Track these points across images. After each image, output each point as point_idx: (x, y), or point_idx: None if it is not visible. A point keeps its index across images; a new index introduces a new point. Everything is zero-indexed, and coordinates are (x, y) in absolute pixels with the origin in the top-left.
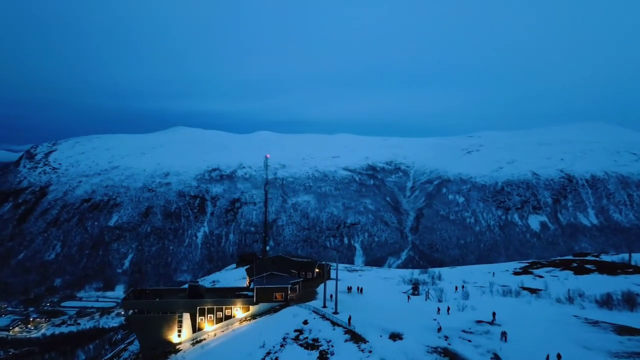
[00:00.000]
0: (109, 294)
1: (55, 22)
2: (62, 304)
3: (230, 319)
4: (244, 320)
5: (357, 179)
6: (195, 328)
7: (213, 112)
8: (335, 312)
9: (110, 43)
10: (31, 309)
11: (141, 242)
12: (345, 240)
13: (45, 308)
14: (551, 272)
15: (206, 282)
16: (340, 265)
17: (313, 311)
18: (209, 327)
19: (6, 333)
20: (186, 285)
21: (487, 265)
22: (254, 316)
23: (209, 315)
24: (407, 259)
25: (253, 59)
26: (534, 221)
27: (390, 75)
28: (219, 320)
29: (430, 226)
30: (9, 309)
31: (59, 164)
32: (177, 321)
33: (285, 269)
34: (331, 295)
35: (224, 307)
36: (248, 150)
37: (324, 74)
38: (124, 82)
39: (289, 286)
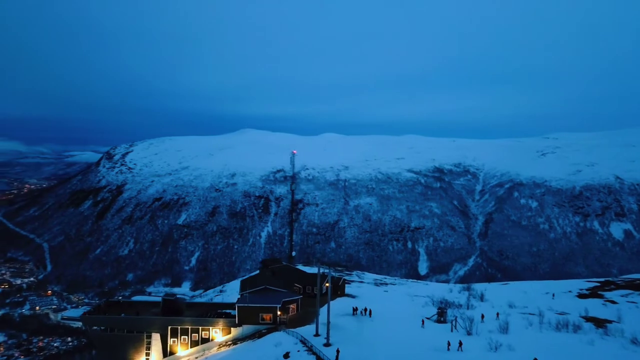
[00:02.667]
0: (175, 290)
1: (128, 32)
2: (133, 298)
3: (208, 343)
4: (223, 345)
5: (422, 181)
6: (167, 352)
7: (281, 115)
8: (327, 344)
9: (182, 50)
10: (104, 300)
11: (207, 240)
12: (409, 244)
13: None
14: (629, 297)
15: (217, 291)
16: (369, 277)
17: (301, 340)
18: (183, 351)
19: (81, 324)
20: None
21: (548, 282)
22: (235, 341)
23: (183, 336)
24: (475, 265)
25: (322, 63)
26: (617, 229)
27: (459, 75)
28: (195, 344)
29: (500, 232)
30: (86, 300)
31: (134, 164)
32: (144, 342)
33: (289, 282)
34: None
35: (200, 327)
36: (312, 152)
37: (391, 75)
38: (194, 87)
39: (278, 306)
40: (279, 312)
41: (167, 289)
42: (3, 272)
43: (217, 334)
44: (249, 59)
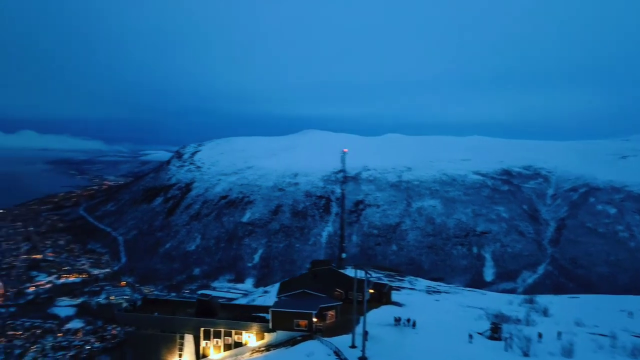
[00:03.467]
0: (239, 286)
1: (194, 40)
2: (199, 292)
3: (241, 347)
4: (256, 351)
5: (489, 184)
6: (199, 354)
7: (343, 116)
8: (362, 358)
9: (247, 54)
10: (173, 294)
11: (270, 238)
12: (475, 249)
13: (185, 295)
14: None
15: (262, 292)
16: (422, 283)
17: (334, 351)
18: (215, 354)
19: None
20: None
21: (625, 297)
22: (268, 347)
23: (216, 339)
24: (545, 273)
25: (385, 62)
26: None
27: (531, 74)
28: (227, 347)
29: (573, 239)
30: (156, 292)
31: (202, 163)
32: (177, 343)
33: (330, 286)
34: (366, 332)
35: (233, 331)
36: (374, 152)
37: (457, 74)
38: (258, 88)
39: (314, 312)
40: (314, 319)
41: (230, 285)
42: (83, 262)
43: (251, 338)
44: (311, 60)
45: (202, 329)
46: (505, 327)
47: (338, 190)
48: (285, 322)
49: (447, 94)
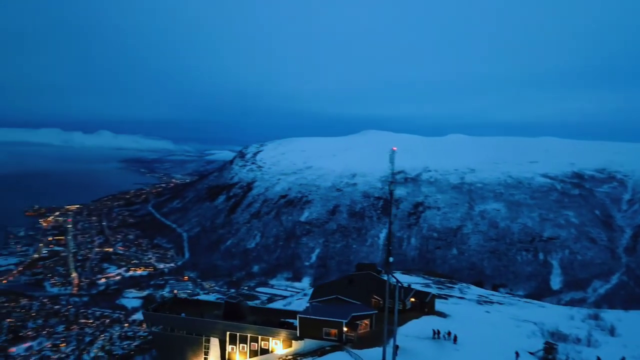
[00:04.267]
0: (296, 284)
1: (261, 39)
2: (257, 289)
3: (268, 355)
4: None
5: (558, 187)
6: (225, 358)
7: (404, 116)
8: None
9: (307, 55)
10: (232, 290)
11: (327, 238)
12: (541, 255)
13: (243, 291)
14: None
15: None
16: (474, 292)
17: None
18: None
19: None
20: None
21: None
22: (295, 356)
23: (242, 344)
24: (619, 284)
25: (446, 61)
26: None
27: (605, 72)
28: (253, 354)
29: None
30: (216, 288)
31: (264, 163)
32: (203, 346)
33: (368, 292)
34: (397, 347)
35: (260, 337)
36: (435, 153)
37: (523, 73)
38: (317, 90)
39: (344, 321)
40: (345, 329)
41: (288, 283)
42: (150, 256)
43: (278, 345)
44: (370, 60)
45: (228, 332)
46: (562, 347)
47: (397, 192)
48: (313, 330)
49: (514, 93)
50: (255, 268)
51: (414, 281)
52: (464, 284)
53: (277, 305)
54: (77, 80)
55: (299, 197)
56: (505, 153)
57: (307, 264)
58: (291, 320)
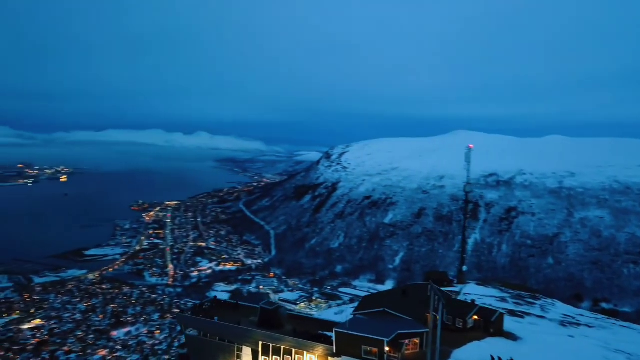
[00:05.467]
0: (379, 287)
1: (347, 41)
2: (340, 289)
3: None
4: None
5: None
6: None
7: (498, 117)
8: None
9: (401, 56)
10: (315, 289)
11: (412, 241)
12: None
13: (326, 290)
14: None
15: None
16: (559, 310)
17: None
18: None
19: (294, 306)
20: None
21: None
22: None
23: (275, 357)
24: None
25: (544, 59)
26: None
27: None
28: None
29: None
30: (300, 285)
31: (349, 163)
32: (235, 355)
33: (423, 306)
34: None
35: (294, 349)
36: (531, 155)
37: (635, 70)
38: (402, 90)
39: (386, 340)
40: (387, 348)
41: (371, 285)
42: (239, 252)
43: None
44: (461, 60)
45: (261, 342)
46: None
47: (488, 196)
48: (351, 348)
49: (621, 92)
50: (339, 268)
51: (489, 294)
52: (549, 300)
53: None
54: (179, 84)
55: (384, 198)
56: (610, 156)
57: (390, 266)
58: (330, 334)
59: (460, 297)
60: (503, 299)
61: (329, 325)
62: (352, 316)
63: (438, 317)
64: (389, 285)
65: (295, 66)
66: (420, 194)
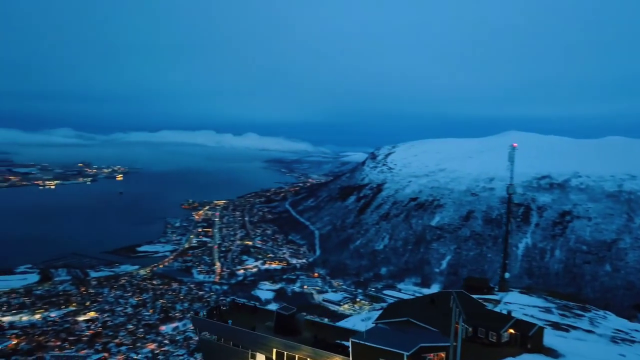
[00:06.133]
0: (424, 290)
1: (394, 41)
2: (384, 292)
3: None
4: None
5: None
6: None
7: (553, 117)
8: None
9: (451, 54)
10: (359, 290)
11: (459, 245)
12: None
13: (370, 292)
14: None
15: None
16: (610, 324)
17: None
18: None
19: (337, 307)
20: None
21: None
22: None
23: None
24: None
25: (601, 57)
26: None
27: None
28: None
29: None
30: (344, 286)
31: (395, 164)
32: None
33: (451, 318)
34: None
35: (309, 359)
36: (588, 157)
37: None
38: (456, 90)
39: (406, 353)
40: None
41: (416, 288)
42: (284, 251)
43: None
44: (513, 59)
45: (275, 350)
46: None
47: (540, 199)
48: (368, 359)
49: None
50: (383, 270)
51: (532, 303)
52: (600, 312)
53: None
54: (230, 86)
55: (430, 200)
56: None
57: (436, 270)
58: (348, 344)
59: (501, 306)
60: (547, 310)
61: (350, 333)
62: (373, 325)
63: (459, 331)
64: (434, 289)
65: (344, 67)
66: (469, 196)
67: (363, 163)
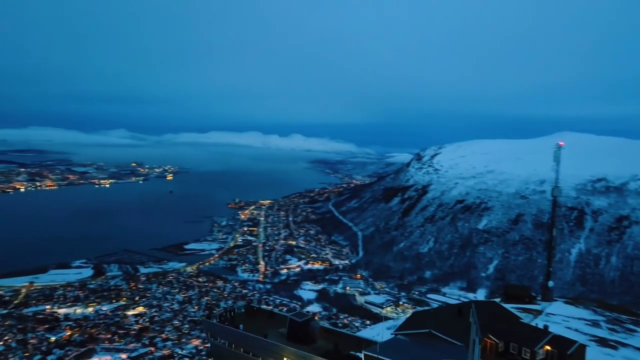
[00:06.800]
0: (470, 295)
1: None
2: (428, 296)
3: None
4: None
5: None
6: None
7: (613, 117)
8: None
9: (501, 54)
10: (402, 293)
11: (508, 249)
12: None
13: (413, 296)
14: None
15: None
16: None
17: None
18: None
19: (380, 310)
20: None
21: None
22: None
23: None
24: None
25: None
26: None
27: None
28: None
29: None
30: (386, 289)
31: (441, 165)
32: None
33: (482, 330)
34: None
35: None
36: None
37: None
38: (504, 89)
39: None
40: None
41: (461, 293)
42: (327, 252)
43: None
44: (564, 56)
45: (285, 359)
46: None
47: (595, 202)
48: None
49: None
50: (427, 274)
51: (578, 315)
52: None
53: None
54: (277, 88)
55: (478, 202)
56: None
57: (483, 275)
58: (371, 353)
59: (541, 318)
60: (595, 323)
61: (369, 344)
62: (392, 335)
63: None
64: (480, 294)
65: (390, 66)
66: (518, 199)
67: (408, 164)
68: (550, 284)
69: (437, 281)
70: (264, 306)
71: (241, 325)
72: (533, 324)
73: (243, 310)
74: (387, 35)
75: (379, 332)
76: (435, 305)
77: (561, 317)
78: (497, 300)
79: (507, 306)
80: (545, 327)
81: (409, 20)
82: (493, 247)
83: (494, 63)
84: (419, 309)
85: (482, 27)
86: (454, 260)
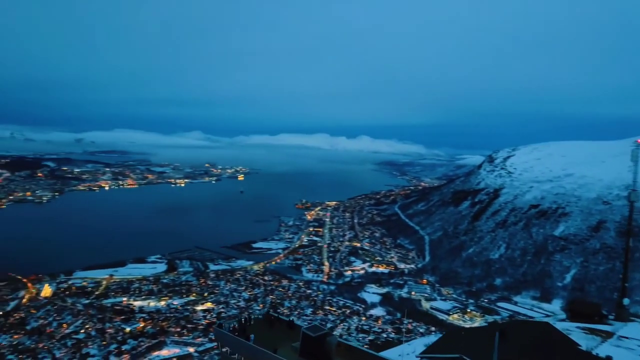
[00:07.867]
0: (544, 305)
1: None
2: (498, 304)
3: None
4: None
5: None
6: None
7: None
8: None
9: (586, 49)
10: (471, 300)
11: (587, 258)
12: None
13: (482, 303)
14: None
15: None
16: None
17: None
18: None
19: (446, 316)
20: None
21: None
22: None
23: None
24: None
25: None
26: None
27: None
28: None
29: None
30: (454, 295)
31: (514, 168)
32: None
33: (529, 355)
34: None
35: None
36: None
37: None
38: (584, 87)
39: None
40: None
41: (534, 303)
42: (392, 255)
43: None
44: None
45: None
46: None
47: None
48: None
49: None
50: (498, 281)
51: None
52: None
53: None
54: (344, 90)
55: (554, 208)
56: None
57: (559, 284)
58: None
59: (611, 342)
60: None
61: None
62: (417, 359)
63: None
64: (556, 304)
65: (461, 67)
66: (600, 204)
67: (479, 167)
68: (626, 301)
69: (508, 289)
70: (283, 317)
71: (252, 336)
72: (599, 349)
73: (261, 317)
74: (460, 35)
75: (406, 352)
76: (505, 314)
77: (637, 342)
78: (559, 318)
79: (572, 325)
80: (608, 357)
81: (486, 19)
82: (571, 255)
83: (573, 62)
84: (489, 317)
85: (566, 25)
86: (527, 268)
